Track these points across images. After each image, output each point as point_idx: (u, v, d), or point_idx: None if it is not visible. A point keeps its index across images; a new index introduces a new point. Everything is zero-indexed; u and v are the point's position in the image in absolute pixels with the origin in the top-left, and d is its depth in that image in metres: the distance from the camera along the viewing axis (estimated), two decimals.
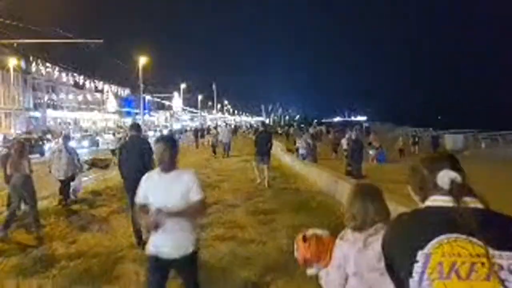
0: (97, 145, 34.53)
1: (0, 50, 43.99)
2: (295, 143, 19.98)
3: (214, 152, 20.04)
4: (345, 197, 8.49)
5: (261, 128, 12.68)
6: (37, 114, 54.93)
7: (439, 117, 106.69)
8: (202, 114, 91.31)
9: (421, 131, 37.06)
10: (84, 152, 24.42)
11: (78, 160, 8.44)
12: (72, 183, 8.25)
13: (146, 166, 5.24)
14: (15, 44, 17.57)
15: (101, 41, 17.15)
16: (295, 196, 8.64)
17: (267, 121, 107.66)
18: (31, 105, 53.75)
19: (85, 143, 34.31)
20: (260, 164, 10.26)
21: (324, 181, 9.73)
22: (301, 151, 13.91)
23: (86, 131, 57.85)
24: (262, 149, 10.32)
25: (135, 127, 5.81)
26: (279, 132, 47.55)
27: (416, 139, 23.43)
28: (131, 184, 5.21)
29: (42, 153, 22.64)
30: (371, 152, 18.50)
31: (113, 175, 11.68)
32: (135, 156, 5.25)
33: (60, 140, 8.36)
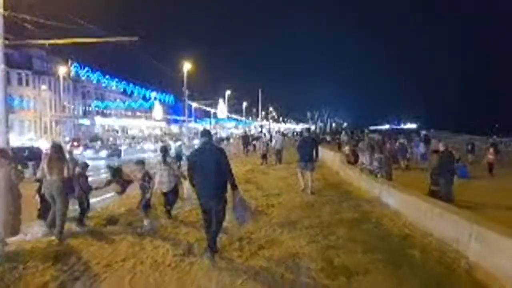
0: (119, 155, 30.28)
1: (50, 58, 44.98)
2: (353, 156, 17.14)
3: (264, 159, 18.50)
4: (459, 239, 5.21)
5: (305, 134, 12.39)
6: (86, 121, 55.88)
7: (496, 125, 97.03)
8: (247, 121, 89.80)
9: (479, 139, 32.86)
10: (100, 164, 22.57)
11: (178, 168, 8.15)
12: (185, 193, 8.11)
13: (224, 180, 4.89)
14: (47, 45, 15.86)
15: (136, 38, 15.33)
16: (381, 238, 5.90)
17: (313, 127, 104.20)
18: (81, 112, 54.76)
19: (103, 153, 29.76)
20: (303, 171, 10.01)
21: (416, 211, 6.90)
22: (370, 167, 11.06)
23: (133, 138, 58.22)
24: (305, 155, 10.02)
25: (206, 133, 5.32)
26: (328, 139, 44.36)
27: (470, 147, 20.49)
28: (208, 202, 4.93)
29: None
30: None
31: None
32: (211, 167, 4.88)
33: (159, 152, 7.92)
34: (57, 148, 6.22)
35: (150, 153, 35.08)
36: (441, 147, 10.23)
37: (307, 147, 10.13)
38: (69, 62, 38.66)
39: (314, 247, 5.36)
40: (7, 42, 14.38)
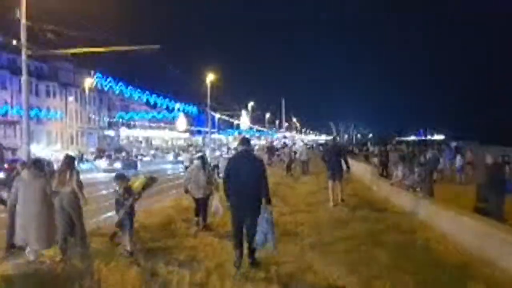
0: (135, 167, 29.25)
1: (77, 70, 45.96)
2: (382, 167, 16.20)
3: (289, 171, 18.05)
4: None
5: (330, 143, 12.42)
6: (111, 132, 56.60)
7: None
8: (270, 132, 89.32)
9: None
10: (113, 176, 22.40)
11: (215, 179, 8.25)
12: (213, 203, 7.78)
13: (260, 191, 4.74)
14: (69, 55, 15.85)
15: (158, 47, 14.99)
16: (433, 266, 4.98)
17: (338, 139, 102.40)
18: (106, 124, 55.55)
19: (118, 164, 28.25)
20: (331, 181, 9.45)
21: (470, 234, 5.94)
22: (407, 181, 10.08)
23: (156, 149, 58.56)
24: (333, 164, 9.58)
25: (246, 141, 5.29)
26: (355, 152, 42.96)
27: (506, 158, 19.07)
28: (241, 213, 4.76)
29: None
30: None
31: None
32: (248, 176, 4.74)
33: (197, 159, 8.18)
34: (67, 160, 6.02)
35: (169, 164, 34.81)
36: (489, 160, 9.16)
37: (333, 157, 9.77)
38: (92, 72, 39.26)
39: (356, 277, 4.51)
40: (30, 52, 14.40)
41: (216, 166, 19.41)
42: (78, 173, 5.90)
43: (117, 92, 42.08)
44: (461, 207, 7.63)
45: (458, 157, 17.34)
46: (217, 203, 7.90)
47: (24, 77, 13.87)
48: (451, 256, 5.46)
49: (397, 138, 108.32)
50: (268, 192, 4.87)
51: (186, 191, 7.72)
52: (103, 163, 30.24)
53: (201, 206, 7.51)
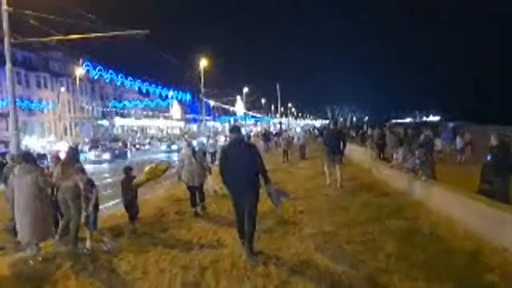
0: (125, 157, 29.13)
1: (67, 60, 44.99)
2: (380, 150, 15.88)
3: (286, 157, 17.65)
4: None
5: (331, 126, 11.89)
6: (105, 122, 55.85)
7: None
8: (265, 118, 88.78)
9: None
10: (104, 168, 22.03)
11: (207, 163, 8.44)
12: (209, 184, 8.37)
13: (256, 175, 4.81)
14: (54, 42, 15.23)
15: (147, 31, 14.36)
16: (443, 256, 4.68)
17: (338, 122, 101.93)
18: (99, 114, 54.77)
19: (106, 156, 28.02)
20: (331, 163, 9.67)
21: (478, 218, 5.63)
22: (408, 164, 9.74)
23: (152, 138, 58.00)
24: (333, 147, 9.64)
25: (236, 129, 5.34)
26: (352, 135, 42.70)
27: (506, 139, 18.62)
28: (241, 198, 4.84)
29: None
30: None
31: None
32: (243, 162, 4.79)
33: (187, 146, 8.01)
34: (71, 153, 6.04)
35: (162, 154, 34.36)
36: (494, 141, 8.83)
37: (334, 140, 9.79)
38: (81, 61, 38.29)
39: (361, 271, 4.19)
40: (12, 40, 13.79)
41: (214, 153, 19.18)
42: (82, 168, 5.81)
43: (108, 80, 41.21)
44: (464, 189, 7.34)
45: (458, 138, 17.06)
46: (212, 183, 8.49)
47: (8, 66, 13.31)
48: (460, 243, 5.15)
49: (393, 121, 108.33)
50: (265, 171, 4.92)
51: (179, 178, 7.62)
52: (90, 154, 29.77)
53: (198, 191, 7.49)
